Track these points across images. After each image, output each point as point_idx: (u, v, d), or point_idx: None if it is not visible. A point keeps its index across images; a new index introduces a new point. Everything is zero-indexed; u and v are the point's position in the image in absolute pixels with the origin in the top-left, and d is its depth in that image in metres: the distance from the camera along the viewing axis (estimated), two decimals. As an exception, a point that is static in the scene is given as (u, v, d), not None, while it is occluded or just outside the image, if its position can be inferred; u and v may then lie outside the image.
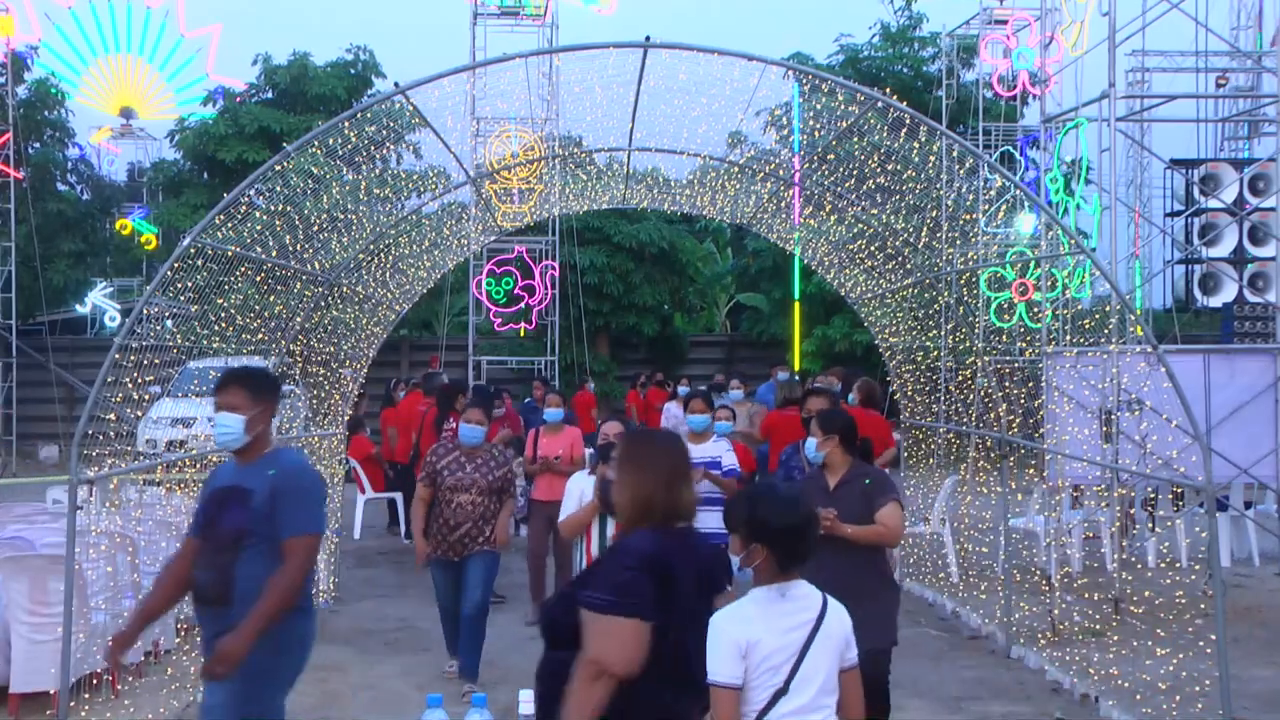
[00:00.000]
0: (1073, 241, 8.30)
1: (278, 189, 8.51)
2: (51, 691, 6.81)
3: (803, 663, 3.46)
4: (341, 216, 9.50)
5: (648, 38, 7.44)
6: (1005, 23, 19.18)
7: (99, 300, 26.29)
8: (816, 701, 3.48)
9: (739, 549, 3.60)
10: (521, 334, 23.22)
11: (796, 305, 22.52)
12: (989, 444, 11.85)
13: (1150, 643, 8.34)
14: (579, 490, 6.85)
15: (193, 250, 7.21)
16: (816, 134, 9.93)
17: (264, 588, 4.46)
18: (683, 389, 17.21)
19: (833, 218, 11.37)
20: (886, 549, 6.01)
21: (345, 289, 10.30)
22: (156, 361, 7.27)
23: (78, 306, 26.78)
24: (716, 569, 3.77)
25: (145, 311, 7.02)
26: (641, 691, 3.43)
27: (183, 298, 7.55)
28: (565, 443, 9.87)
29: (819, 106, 9.45)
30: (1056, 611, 9.32)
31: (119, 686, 7.47)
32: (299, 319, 9.52)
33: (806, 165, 10.62)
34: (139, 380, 7.05)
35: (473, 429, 7.95)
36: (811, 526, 3.68)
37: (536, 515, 9.79)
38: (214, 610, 4.60)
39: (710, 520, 6.75)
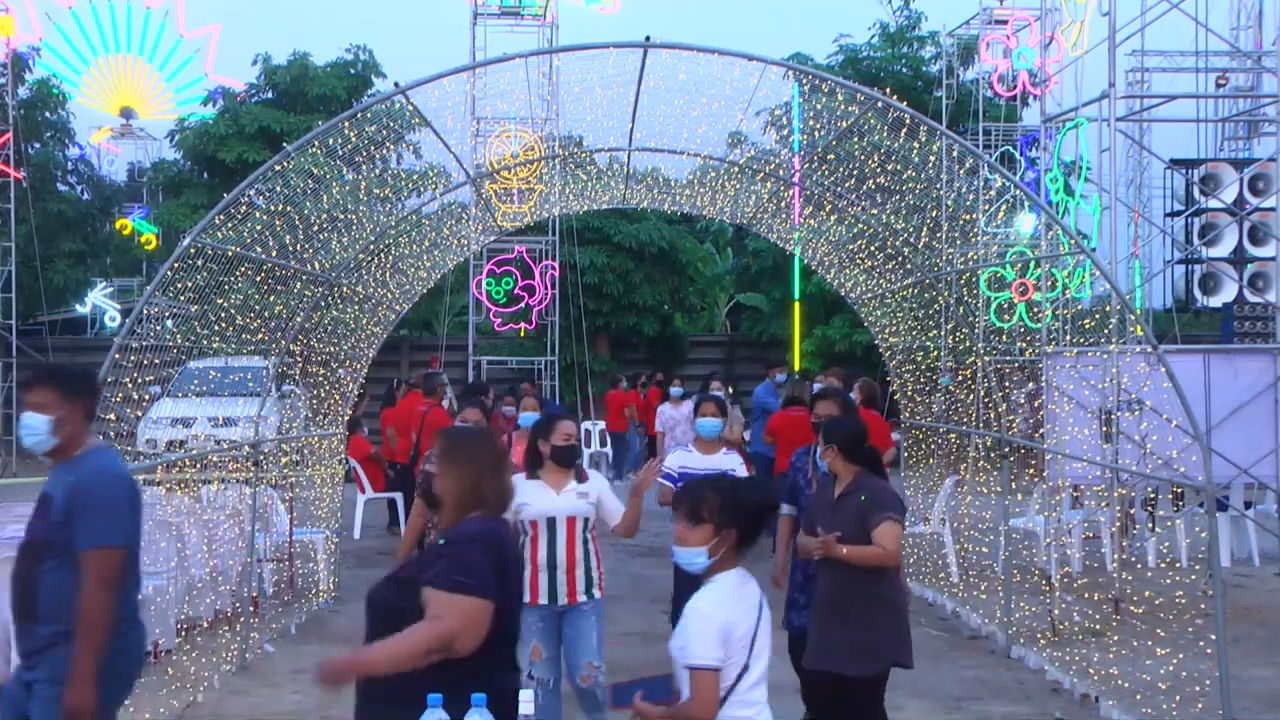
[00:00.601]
0: (1073, 241, 8.30)
1: (278, 189, 8.51)
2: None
3: (756, 640, 3.75)
4: (341, 216, 9.50)
5: (648, 38, 7.44)
6: (1005, 23, 19.19)
7: (99, 300, 26.29)
8: (764, 675, 3.80)
9: (706, 538, 3.75)
10: (521, 334, 23.23)
11: (796, 305, 22.52)
12: (989, 444, 11.86)
13: (1150, 643, 8.34)
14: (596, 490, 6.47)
15: (193, 250, 7.21)
16: (816, 134, 9.93)
17: (69, 606, 4.13)
18: (675, 389, 17.02)
19: (833, 218, 11.37)
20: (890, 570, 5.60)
21: (345, 289, 10.30)
22: (156, 361, 7.28)
23: (78, 306, 26.79)
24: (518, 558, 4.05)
25: (145, 311, 7.02)
26: (476, 668, 3.61)
27: (183, 298, 7.56)
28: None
29: (819, 106, 9.45)
30: (1056, 611, 9.32)
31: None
32: (299, 319, 9.52)
33: (806, 165, 10.62)
34: (139, 380, 7.05)
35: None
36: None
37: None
38: (19, 626, 4.31)
39: None
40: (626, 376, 22.50)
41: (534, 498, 5.93)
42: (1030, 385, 14.96)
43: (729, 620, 3.67)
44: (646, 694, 3.71)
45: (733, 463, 7.48)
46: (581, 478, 6.13)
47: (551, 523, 5.99)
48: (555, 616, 6.05)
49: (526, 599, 5.64)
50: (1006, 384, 10.73)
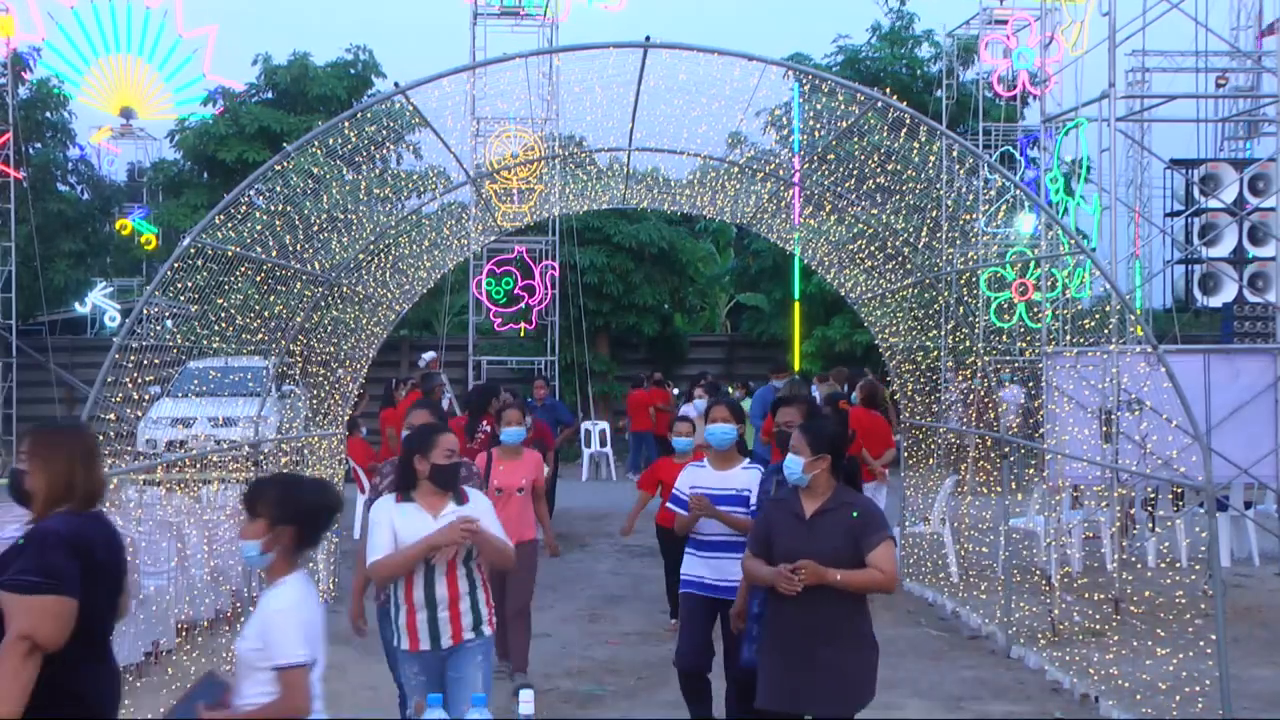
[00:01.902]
0: (1073, 241, 8.30)
1: (278, 189, 8.51)
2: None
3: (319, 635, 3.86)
4: (341, 216, 9.51)
5: (648, 38, 7.44)
6: (1005, 23, 19.20)
7: (99, 300, 26.29)
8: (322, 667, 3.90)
9: (260, 532, 3.80)
10: (521, 334, 23.23)
11: (796, 305, 22.52)
12: (989, 444, 11.86)
13: (1150, 643, 8.34)
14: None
15: (193, 250, 7.21)
16: (816, 134, 9.93)
17: None
18: (698, 402, 16.49)
19: (833, 218, 11.38)
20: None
21: (345, 289, 10.30)
22: (156, 361, 7.28)
23: (78, 306, 26.78)
24: (123, 551, 3.97)
25: (145, 311, 7.02)
26: (69, 666, 3.64)
27: (183, 298, 7.56)
28: (526, 471, 7.90)
29: (819, 106, 9.46)
30: (1056, 611, 9.32)
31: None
32: (299, 319, 9.52)
33: (806, 165, 10.63)
34: (139, 380, 7.05)
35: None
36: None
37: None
38: None
39: (732, 570, 5.97)
40: (631, 377, 22.53)
41: (407, 525, 5.07)
42: (1013, 388, 14.94)
43: (308, 617, 3.77)
44: (205, 701, 3.76)
45: (751, 480, 6.30)
46: (462, 499, 5.21)
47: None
48: (440, 661, 5.18)
49: (405, 645, 5.14)
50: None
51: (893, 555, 4.94)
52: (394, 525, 5.07)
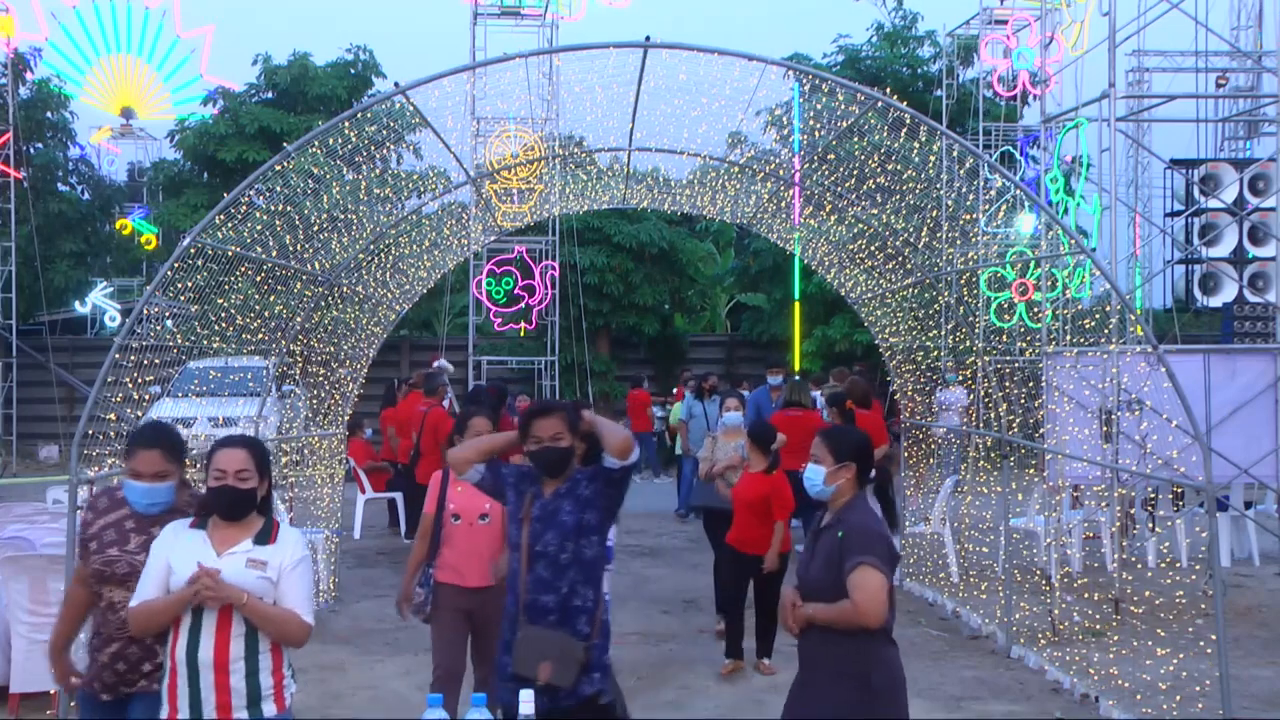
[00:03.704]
0: (1073, 241, 8.30)
1: (278, 189, 8.51)
2: (51, 691, 6.80)
3: None
4: (341, 216, 9.51)
5: (648, 38, 7.44)
6: (1005, 23, 19.21)
7: (99, 300, 26.29)
8: None
9: None
10: (521, 334, 23.22)
11: (797, 305, 22.52)
12: (989, 444, 11.86)
13: (1150, 643, 8.34)
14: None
15: (193, 250, 7.21)
16: (816, 134, 9.93)
17: None
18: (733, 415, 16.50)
19: (833, 218, 11.37)
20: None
21: (345, 289, 10.30)
22: (156, 361, 7.27)
23: (78, 306, 26.79)
24: None
25: (145, 311, 7.02)
26: None
27: (183, 298, 7.56)
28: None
29: (819, 106, 9.45)
30: (1056, 611, 9.32)
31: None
32: (299, 319, 9.52)
33: (806, 165, 10.62)
34: (139, 380, 7.05)
35: None
36: None
37: (445, 608, 6.15)
38: None
39: None
40: (631, 377, 22.56)
41: (184, 560, 4.01)
42: (956, 389, 14.91)
43: None
44: None
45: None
46: (269, 537, 4.13)
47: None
48: None
49: (164, 713, 4.03)
50: (1007, 384, 10.72)
51: (868, 583, 4.14)
52: (170, 559, 4.04)
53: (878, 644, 4.26)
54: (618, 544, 13.80)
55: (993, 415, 10.38)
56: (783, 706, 4.60)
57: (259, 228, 8.30)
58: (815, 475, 4.42)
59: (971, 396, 12.75)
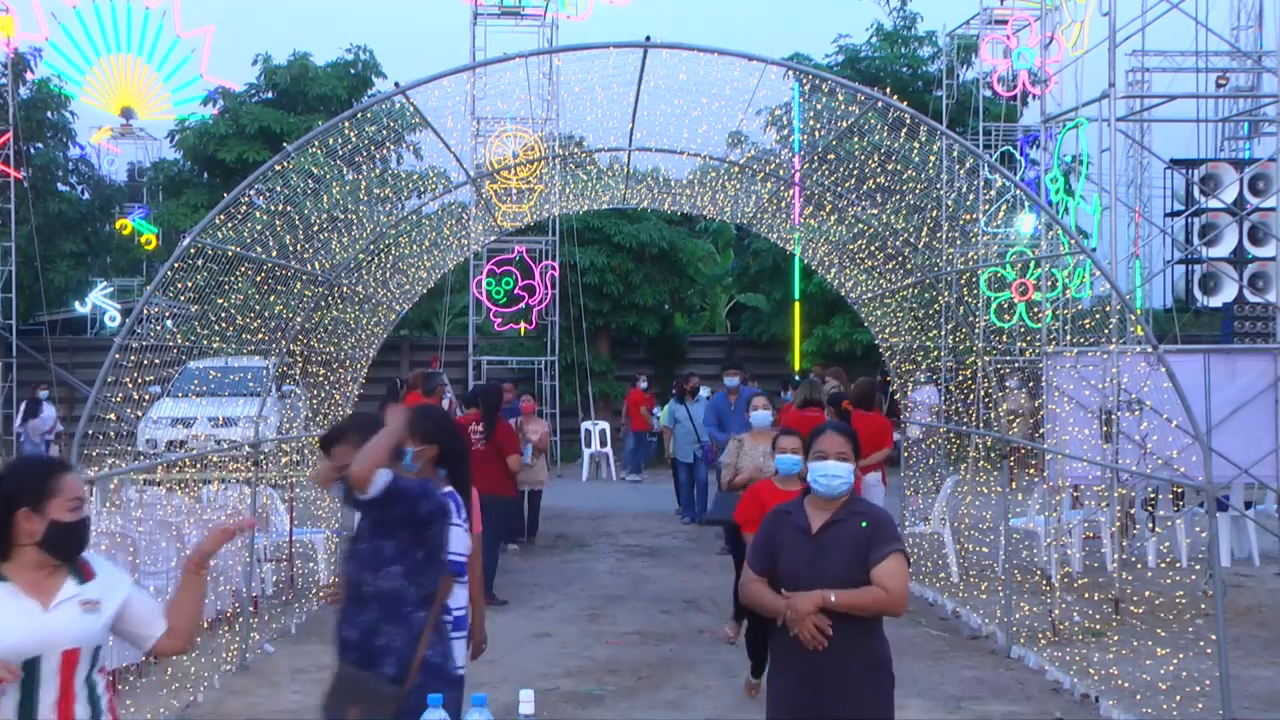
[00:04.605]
0: (1073, 241, 8.30)
1: (278, 189, 8.51)
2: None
3: None
4: (341, 216, 9.51)
5: (648, 38, 7.44)
6: (1005, 23, 19.21)
7: (99, 300, 26.30)
8: None
9: None
10: (521, 334, 23.24)
11: (797, 305, 22.54)
12: (989, 444, 11.86)
13: (1150, 643, 8.34)
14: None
15: (193, 250, 7.21)
16: (816, 134, 9.93)
17: None
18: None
19: (833, 218, 11.38)
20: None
21: (345, 289, 10.31)
22: (156, 361, 7.28)
23: (78, 306, 26.80)
24: None
25: (145, 311, 7.02)
26: None
27: (183, 298, 7.56)
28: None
29: (819, 106, 9.46)
30: (1056, 611, 9.32)
31: (119, 686, 7.46)
32: (299, 319, 9.52)
33: (806, 165, 10.63)
34: (139, 380, 7.05)
35: None
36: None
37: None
38: None
39: None
40: (630, 377, 22.57)
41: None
42: (928, 388, 14.88)
43: None
44: None
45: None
46: (85, 574, 3.39)
47: (33, 663, 3.23)
48: None
49: None
50: (1006, 385, 10.73)
51: (902, 570, 4.23)
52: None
53: (880, 624, 4.40)
54: (618, 543, 13.84)
55: (993, 415, 10.38)
56: (785, 707, 4.40)
57: (259, 228, 8.30)
58: (843, 473, 4.32)
59: (944, 396, 12.73)
